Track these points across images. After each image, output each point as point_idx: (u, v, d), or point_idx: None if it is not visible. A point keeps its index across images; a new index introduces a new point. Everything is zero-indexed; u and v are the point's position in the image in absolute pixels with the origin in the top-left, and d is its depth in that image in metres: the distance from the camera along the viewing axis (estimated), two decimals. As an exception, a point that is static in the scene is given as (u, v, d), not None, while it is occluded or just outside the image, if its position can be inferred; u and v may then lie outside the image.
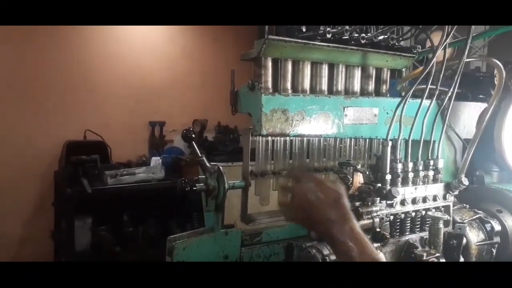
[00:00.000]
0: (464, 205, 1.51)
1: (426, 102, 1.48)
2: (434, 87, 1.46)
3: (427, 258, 1.26)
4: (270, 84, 1.44)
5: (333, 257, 1.02)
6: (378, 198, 1.23)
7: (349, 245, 0.98)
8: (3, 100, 4.08)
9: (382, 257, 1.05)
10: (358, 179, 1.26)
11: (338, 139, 1.65)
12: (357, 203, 1.21)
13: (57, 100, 4.35)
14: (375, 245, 1.17)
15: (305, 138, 1.57)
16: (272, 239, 1.55)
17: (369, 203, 1.22)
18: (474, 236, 1.41)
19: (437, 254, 1.28)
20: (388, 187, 1.27)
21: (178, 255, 1.37)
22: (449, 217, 1.39)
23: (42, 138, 4.28)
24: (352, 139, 1.69)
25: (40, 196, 4.32)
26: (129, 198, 4.05)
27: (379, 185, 1.26)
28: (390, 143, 1.30)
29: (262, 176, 1.53)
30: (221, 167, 1.42)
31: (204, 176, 1.41)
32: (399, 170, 1.33)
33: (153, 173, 4.02)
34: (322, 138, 1.61)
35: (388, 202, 1.27)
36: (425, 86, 1.42)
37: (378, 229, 1.20)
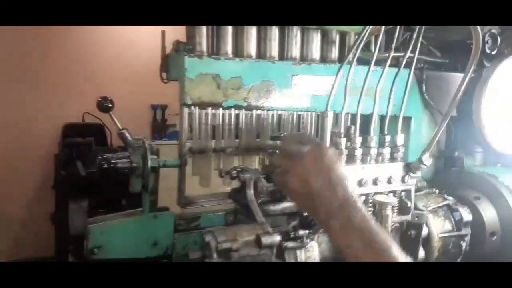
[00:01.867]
0: (434, 190, 1.29)
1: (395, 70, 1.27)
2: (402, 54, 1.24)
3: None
4: (204, 47, 1.26)
5: (226, 245, 0.85)
6: (310, 178, 1.03)
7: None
8: (3, 84, 4.08)
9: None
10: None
11: (295, 113, 1.46)
12: (283, 183, 1.02)
13: (57, 83, 4.31)
14: (302, 232, 0.97)
15: (254, 112, 1.39)
16: (213, 224, 1.38)
17: (298, 183, 1.02)
18: (438, 226, 1.19)
19: (384, 246, 1.07)
20: (326, 166, 1.07)
21: (94, 239, 1.23)
22: (408, 203, 1.17)
23: (43, 121, 4.27)
24: (313, 114, 1.49)
25: (41, 179, 4.33)
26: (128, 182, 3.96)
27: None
28: (330, 113, 1.10)
29: (200, 154, 1.36)
30: (148, 142, 1.26)
31: (127, 152, 1.26)
32: (343, 146, 1.12)
33: (150, 157, 3.92)
34: (276, 112, 1.42)
35: (324, 182, 1.06)
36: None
37: (305, 214, 1.00)
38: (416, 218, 1.14)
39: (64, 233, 3.80)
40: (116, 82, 4.50)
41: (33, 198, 4.36)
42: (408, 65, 1.33)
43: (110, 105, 1.22)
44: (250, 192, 0.99)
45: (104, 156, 1.22)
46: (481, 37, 1.21)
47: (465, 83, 1.22)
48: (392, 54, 1.25)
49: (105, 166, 1.21)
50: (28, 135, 4.23)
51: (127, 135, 1.25)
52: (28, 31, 4.10)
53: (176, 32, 1.29)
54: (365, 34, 1.12)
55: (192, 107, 1.26)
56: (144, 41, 4.61)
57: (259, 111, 1.38)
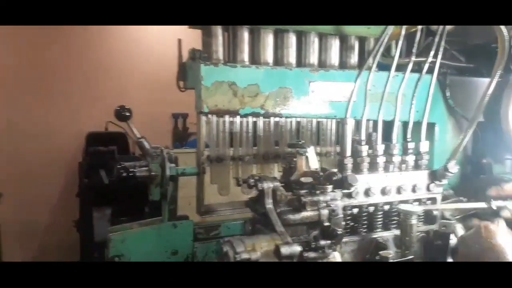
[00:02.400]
0: (461, 198, 1.24)
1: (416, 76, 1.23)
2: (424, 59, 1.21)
3: (395, 260, 1.02)
4: (221, 55, 1.26)
5: (245, 255, 0.83)
6: (330, 186, 1.01)
7: None
8: (28, 94, 4.20)
9: None
10: (303, 162, 1.04)
11: (314, 120, 1.43)
12: (302, 191, 1.00)
13: (80, 93, 4.41)
14: (323, 242, 0.94)
15: (272, 119, 1.37)
16: (234, 233, 1.37)
17: (317, 192, 0.99)
18: (466, 236, 1.14)
19: (409, 257, 1.04)
20: (347, 174, 1.04)
21: (114, 248, 1.23)
22: (437, 213, 1.13)
23: (67, 130, 4.36)
24: (333, 121, 1.45)
25: (66, 187, 4.41)
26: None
27: (335, 170, 1.03)
28: (350, 121, 1.07)
29: (218, 162, 1.35)
30: (166, 150, 1.26)
31: (145, 161, 1.26)
32: (364, 154, 1.09)
33: (171, 165, 3.94)
34: (294, 119, 1.40)
35: (345, 191, 1.04)
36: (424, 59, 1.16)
37: (327, 223, 0.98)
38: (443, 228, 1.10)
39: (89, 240, 3.86)
40: (138, 91, 4.56)
41: (58, 205, 4.46)
42: (430, 70, 1.30)
43: (128, 114, 1.23)
44: (269, 201, 0.97)
45: (123, 165, 1.23)
46: (507, 40, 1.17)
47: (491, 88, 1.18)
48: (414, 59, 1.22)
49: (124, 175, 1.21)
50: (53, 144, 4.33)
51: (145, 143, 1.26)
52: (52, 42, 4.22)
53: (193, 41, 1.29)
54: (384, 38, 1.09)
55: (209, 115, 1.26)
56: (165, 50, 4.67)
57: (277, 119, 1.36)
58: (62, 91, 4.38)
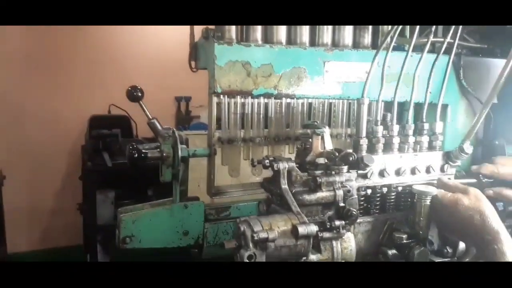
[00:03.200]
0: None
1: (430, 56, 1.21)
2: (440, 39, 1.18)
3: (408, 241, 1.02)
4: (234, 34, 1.23)
5: (263, 235, 0.82)
6: (346, 167, 1.00)
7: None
8: (32, 77, 4.17)
9: None
10: (319, 143, 1.03)
11: (326, 101, 1.41)
12: (318, 172, 0.99)
13: (83, 76, 4.38)
14: (338, 222, 0.94)
15: (284, 100, 1.35)
16: (243, 215, 1.37)
17: (333, 172, 0.99)
18: (479, 218, 1.13)
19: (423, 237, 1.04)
20: (362, 154, 1.03)
21: (126, 229, 1.23)
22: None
23: (71, 113, 4.35)
24: (344, 102, 1.44)
25: (69, 170, 4.42)
26: (154, 173, 4.00)
27: (350, 151, 1.02)
28: (366, 100, 1.06)
29: (229, 144, 1.34)
30: (177, 131, 1.25)
31: (157, 142, 1.25)
32: (380, 134, 1.08)
33: (174, 148, 3.94)
34: (306, 100, 1.39)
35: (361, 172, 1.03)
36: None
37: (342, 204, 0.97)
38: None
39: (92, 223, 3.87)
40: (140, 74, 4.53)
41: (62, 188, 4.47)
42: (445, 51, 1.27)
43: (140, 94, 1.21)
44: (284, 181, 0.96)
45: (135, 146, 1.21)
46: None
47: (508, 69, 1.16)
48: (432, 39, 1.20)
49: (136, 156, 1.20)
50: (56, 127, 4.32)
51: (157, 124, 1.24)
52: (56, 27, 4.16)
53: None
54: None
55: (221, 96, 1.24)
56: (168, 34, 4.63)
57: (288, 100, 1.34)
58: (66, 75, 4.36)
